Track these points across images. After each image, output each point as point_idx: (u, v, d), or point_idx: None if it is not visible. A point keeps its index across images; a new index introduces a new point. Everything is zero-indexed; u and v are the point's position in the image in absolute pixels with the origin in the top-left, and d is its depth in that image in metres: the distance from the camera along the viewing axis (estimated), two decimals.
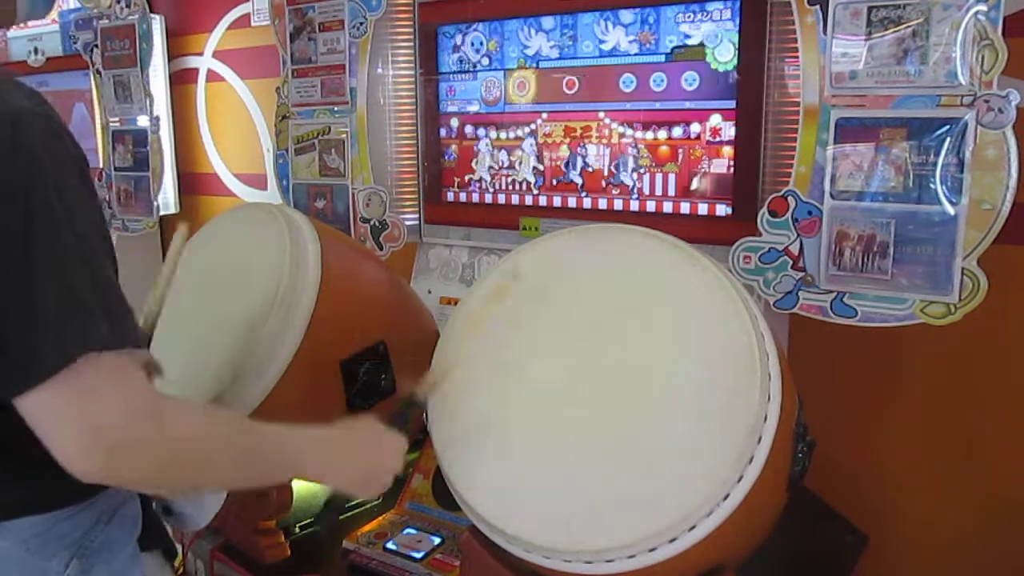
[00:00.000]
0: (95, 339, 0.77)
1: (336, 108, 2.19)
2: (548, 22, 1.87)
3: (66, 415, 0.76)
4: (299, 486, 1.70)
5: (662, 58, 1.73)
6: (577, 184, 1.89)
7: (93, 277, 0.80)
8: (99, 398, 0.77)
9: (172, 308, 1.33)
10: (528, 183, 1.96)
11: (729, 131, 1.66)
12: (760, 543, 1.23)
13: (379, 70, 2.12)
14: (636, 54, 1.76)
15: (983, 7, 1.28)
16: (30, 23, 3.38)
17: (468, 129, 2.05)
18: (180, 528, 1.11)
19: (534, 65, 1.91)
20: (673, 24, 1.70)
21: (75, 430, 0.76)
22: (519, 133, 1.96)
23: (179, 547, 1.69)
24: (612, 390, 1.14)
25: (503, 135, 1.99)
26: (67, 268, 0.78)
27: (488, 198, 2.04)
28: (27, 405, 0.76)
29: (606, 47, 1.79)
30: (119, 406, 0.78)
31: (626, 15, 1.75)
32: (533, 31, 1.90)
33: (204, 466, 0.89)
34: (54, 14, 3.32)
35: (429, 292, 2.08)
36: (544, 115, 1.92)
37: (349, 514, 1.79)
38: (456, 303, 1.95)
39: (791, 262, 1.52)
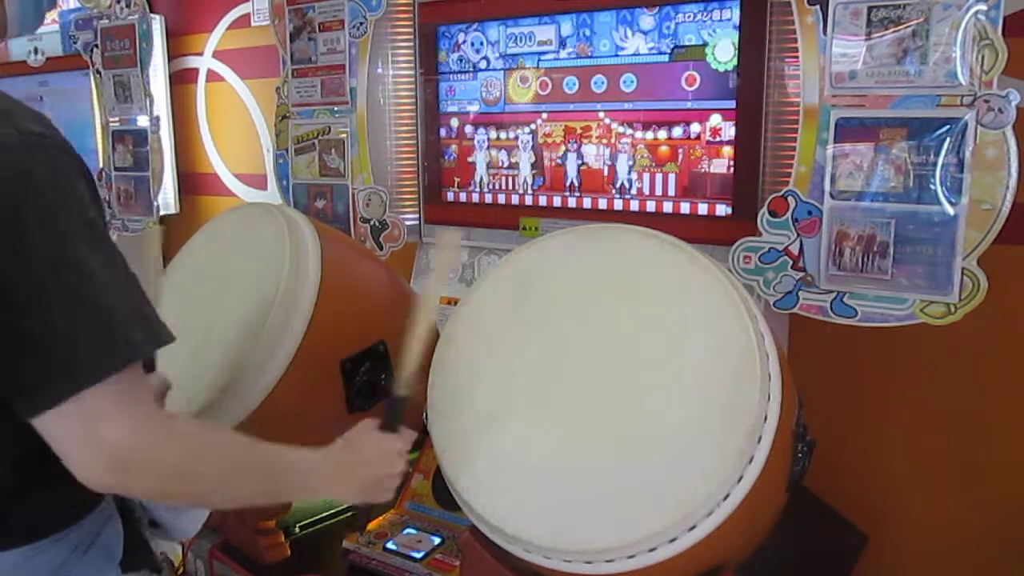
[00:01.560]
0: (103, 366, 0.80)
1: (336, 108, 2.19)
2: (548, 22, 1.87)
3: (77, 436, 0.81)
4: None
5: (663, 58, 1.73)
6: (577, 184, 1.89)
7: (106, 302, 0.83)
8: (106, 421, 0.81)
9: (172, 308, 1.33)
10: (528, 183, 1.97)
11: (729, 131, 1.66)
12: (760, 543, 1.23)
13: (379, 70, 2.12)
14: (637, 54, 1.76)
15: (983, 7, 1.28)
16: None
17: (468, 129, 2.05)
18: (165, 540, 1.11)
19: (534, 65, 1.91)
20: (673, 24, 1.70)
21: (87, 450, 0.81)
22: (519, 133, 1.96)
23: (179, 547, 1.69)
24: (612, 390, 1.14)
25: (503, 135, 1.99)
26: (81, 296, 0.81)
27: (488, 198, 2.04)
28: (42, 425, 0.81)
29: (608, 47, 1.80)
30: (125, 428, 0.82)
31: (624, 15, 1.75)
32: (533, 30, 1.90)
33: (209, 482, 0.93)
34: (53, 14, 3.32)
35: None
36: (544, 115, 1.92)
37: (349, 513, 1.79)
38: (456, 303, 1.95)
39: (791, 262, 1.52)
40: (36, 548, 0.92)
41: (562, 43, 1.86)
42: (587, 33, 1.82)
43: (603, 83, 1.81)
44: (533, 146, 1.94)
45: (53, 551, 0.94)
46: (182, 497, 0.96)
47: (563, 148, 1.90)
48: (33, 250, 0.79)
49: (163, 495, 0.92)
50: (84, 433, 0.80)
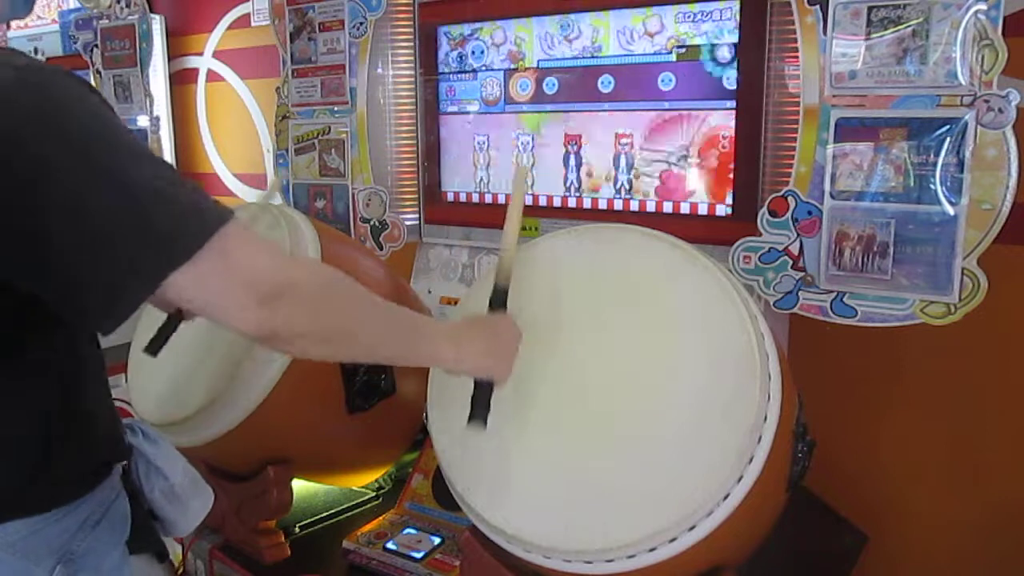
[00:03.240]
0: (218, 217, 0.83)
1: (336, 108, 2.19)
2: (548, 21, 1.87)
3: (221, 280, 0.82)
4: (299, 486, 1.70)
5: (664, 58, 1.72)
6: (577, 184, 1.89)
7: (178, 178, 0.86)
8: (241, 258, 0.83)
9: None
10: (527, 183, 1.96)
11: (729, 131, 1.66)
12: (760, 543, 1.23)
13: (379, 70, 2.12)
14: (637, 54, 1.76)
15: (983, 7, 1.28)
16: (30, 24, 3.39)
17: (468, 129, 2.05)
18: (164, 535, 1.11)
19: (534, 65, 1.91)
20: (673, 24, 1.70)
21: (233, 290, 0.83)
22: (519, 133, 1.96)
23: (179, 546, 1.69)
24: (612, 390, 1.14)
25: (503, 135, 1.99)
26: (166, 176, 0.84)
27: (488, 198, 2.04)
28: (183, 285, 0.81)
29: (608, 47, 1.79)
30: (261, 260, 0.85)
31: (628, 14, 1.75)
32: (533, 31, 1.90)
33: (354, 311, 0.95)
34: (53, 13, 3.33)
35: (429, 292, 2.08)
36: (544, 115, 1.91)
37: (349, 514, 1.79)
38: (456, 303, 1.95)
39: (791, 262, 1.52)
40: (47, 519, 0.92)
41: (562, 43, 1.85)
42: (587, 32, 1.81)
43: (604, 83, 1.81)
44: (533, 146, 1.94)
45: (64, 523, 0.93)
46: (334, 338, 0.93)
47: (563, 148, 1.89)
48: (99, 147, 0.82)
49: (315, 326, 0.90)
50: (226, 276, 0.82)
